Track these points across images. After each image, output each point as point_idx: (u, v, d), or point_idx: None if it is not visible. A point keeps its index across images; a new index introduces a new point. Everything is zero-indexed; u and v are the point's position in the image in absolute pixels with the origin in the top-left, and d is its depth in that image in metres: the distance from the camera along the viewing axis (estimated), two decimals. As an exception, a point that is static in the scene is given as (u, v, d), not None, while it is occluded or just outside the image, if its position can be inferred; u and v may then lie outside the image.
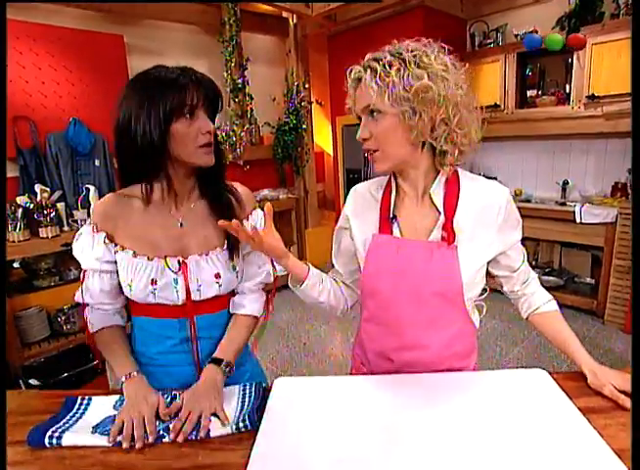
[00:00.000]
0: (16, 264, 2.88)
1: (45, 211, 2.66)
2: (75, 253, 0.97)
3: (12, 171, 2.86)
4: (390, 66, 0.78)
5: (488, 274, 0.98)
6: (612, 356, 2.71)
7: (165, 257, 0.94)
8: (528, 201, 3.71)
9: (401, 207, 0.94)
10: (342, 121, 4.60)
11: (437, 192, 0.90)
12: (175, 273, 0.94)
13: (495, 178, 4.17)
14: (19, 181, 2.86)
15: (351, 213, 1.02)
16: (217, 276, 0.97)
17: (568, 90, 3.40)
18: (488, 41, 3.87)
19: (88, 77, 3.05)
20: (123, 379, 0.91)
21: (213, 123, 0.92)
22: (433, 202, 0.91)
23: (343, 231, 1.05)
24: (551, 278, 3.70)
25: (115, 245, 0.94)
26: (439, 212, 0.90)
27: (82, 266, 0.97)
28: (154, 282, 0.93)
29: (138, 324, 1.02)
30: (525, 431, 0.75)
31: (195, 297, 0.96)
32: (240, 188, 1.05)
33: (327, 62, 4.70)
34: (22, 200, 2.63)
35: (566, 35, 3.16)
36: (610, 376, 0.86)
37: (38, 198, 2.67)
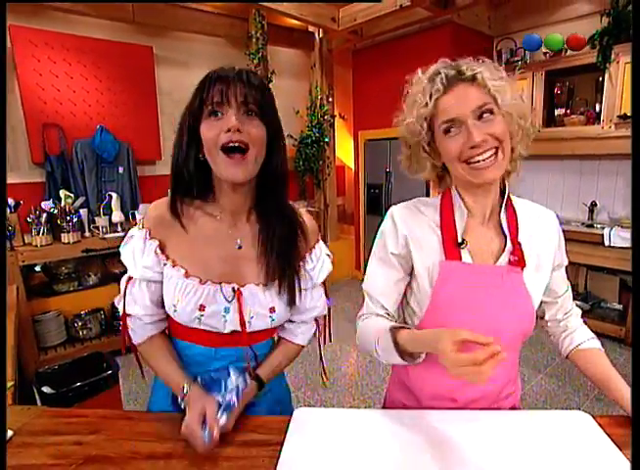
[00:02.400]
0: (37, 268, 2.92)
1: (68, 217, 2.69)
2: (124, 257, 0.87)
3: (39, 177, 2.92)
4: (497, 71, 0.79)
5: None
6: (642, 389, 2.57)
7: (220, 282, 0.85)
8: (554, 222, 3.59)
9: (467, 229, 0.86)
10: (365, 136, 4.58)
11: (504, 214, 0.86)
12: (229, 302, 0.84)
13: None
14: (45, 187, 2.91)
15: (410, 236, 0.86)
16: (272, 310, 0.88)
17: (598, 109, 3.32)
18: (516, 58, 3.81)
19: (117, 87, 3.12)
20: (181, 396, 0.84)
21: (269, 129, 0.80)
22: (500, 224, 0.86)
23: (394, 259, 0.88)
24: (576, 302, 3.55)
25: (167, 258, 0.85)
26: (504, 236, 0.85)
27: (129, 273, 0.88)
28: (202, 308, 0.83)
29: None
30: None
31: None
32: (306, 218, 0.95)
33: (351, 76, 4.71)
34: (46, 205, 2.68)
35: (598, 54, 3.09)
36: None
37: (62, 203, 2.71)
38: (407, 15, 3.59)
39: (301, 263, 0.92)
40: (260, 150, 0.80)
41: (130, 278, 0.88)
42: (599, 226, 3.29)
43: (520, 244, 0.85)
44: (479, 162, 0.76)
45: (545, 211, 0.92)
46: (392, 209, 0.91)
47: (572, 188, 3.83)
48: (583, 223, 3.47)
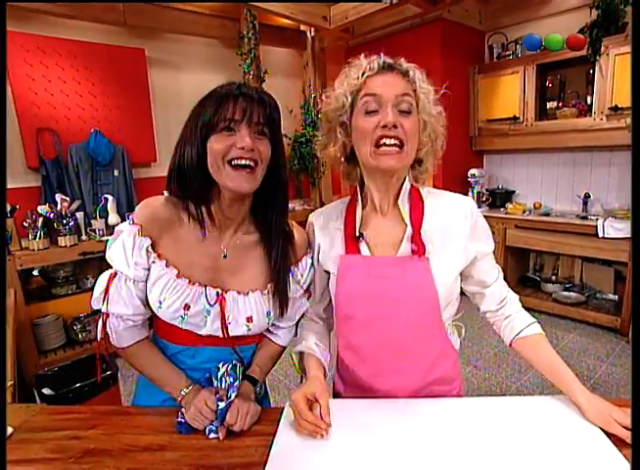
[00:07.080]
0: (35, 272, 2.93)
1: (64, 221, 2.71)
2: (113, 253, 0.85)
3: (34, 181, 2.93)
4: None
5: (463, 294, 0.95)
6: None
7: (206, 286, 0.87)
8: (547, 214, 3.59)
9: (367, 222, 0.92)
10: (359, 133, 4.58)
11: (404, 204, 0.90)
12: (211, 305, 0.87)
13: (514, 191, 4.09)
14: (41, 191, 2.92)
15: (318, 236, 0.98)
16: (249, 320, 0.91)
17: (589, 101, 3.34)
18: (507, 53, 3.83)
19: (110, 90, 3.13)
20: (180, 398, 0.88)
21: (275, 149, 0.85)
22: (400, 213, 0.89)
23: (317, 266, 0.99)
24: (572, 294, 3.59)
25: (159, 256, 0.85)
26: (406, 225, 0.88)
27: (115, 268, 0.85)
28: (187, 307, 0.86)
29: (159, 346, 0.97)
30: (555, 465, 0.70)
31: None
32: (297, 232, 0.98)
33: (344, 74, 4.72)
34: (42, 209, 2.69)
35: (588, 46, 3.11)
36: (610, 410, 0.79)
37: (58, 207, 2.72)
38: (398, 12, 3.60)
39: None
40: (265, 167, 0.85)
41: (114, 275, 0.86)
42: (593, 218, 3.29)
43: (420, 233, 0.86)
44: (385, 145, 0.81)
45: (459, 199, 0.92)
46: (310, 217, 1.02)
47: (566, 180, 3.84)
48: (577, 215, 3.48)
